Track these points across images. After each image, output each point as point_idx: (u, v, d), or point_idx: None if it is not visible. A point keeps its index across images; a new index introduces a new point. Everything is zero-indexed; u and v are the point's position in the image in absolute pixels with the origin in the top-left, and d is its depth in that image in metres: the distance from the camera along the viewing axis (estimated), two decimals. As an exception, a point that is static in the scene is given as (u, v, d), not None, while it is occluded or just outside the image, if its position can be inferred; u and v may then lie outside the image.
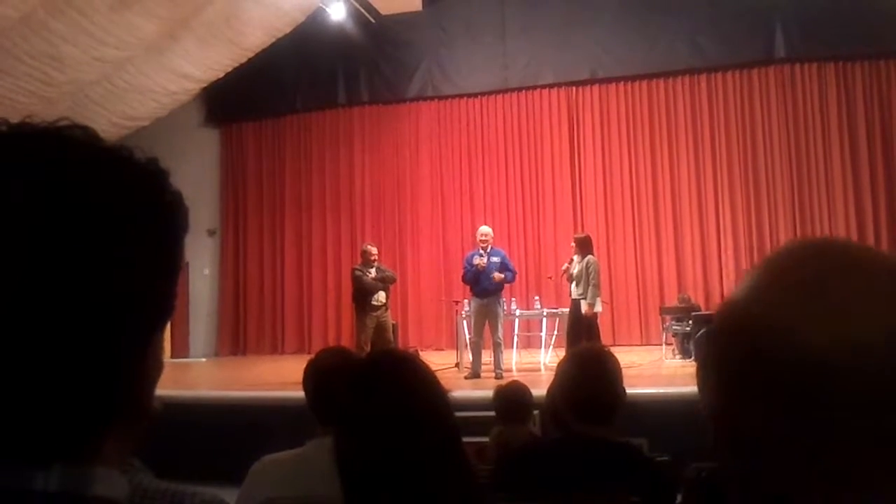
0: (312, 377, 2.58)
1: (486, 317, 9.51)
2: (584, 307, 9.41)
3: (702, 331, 10.26)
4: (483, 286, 9.51)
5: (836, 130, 13.54)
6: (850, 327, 0.59)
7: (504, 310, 9.92)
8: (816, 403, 0.60)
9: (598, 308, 9.63)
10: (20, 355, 0.61)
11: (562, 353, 8.79)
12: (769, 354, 0.61)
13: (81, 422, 0.64)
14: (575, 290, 9.59)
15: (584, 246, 9.77)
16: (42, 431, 0.63)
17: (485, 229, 10.01)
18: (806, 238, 0.68)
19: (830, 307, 0.60)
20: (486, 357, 9.62)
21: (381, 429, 1.49)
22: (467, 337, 10.05)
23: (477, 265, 9.50)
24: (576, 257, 9.73)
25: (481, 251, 9.63)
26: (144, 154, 0.69)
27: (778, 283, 0.64)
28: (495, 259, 9.60)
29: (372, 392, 1.55)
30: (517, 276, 10.39)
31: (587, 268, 9.51)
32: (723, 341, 0.67)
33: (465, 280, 9.84)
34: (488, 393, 4.87)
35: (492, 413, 4.58)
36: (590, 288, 9.43)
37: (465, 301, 10.38)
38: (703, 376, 0.70)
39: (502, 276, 9.55)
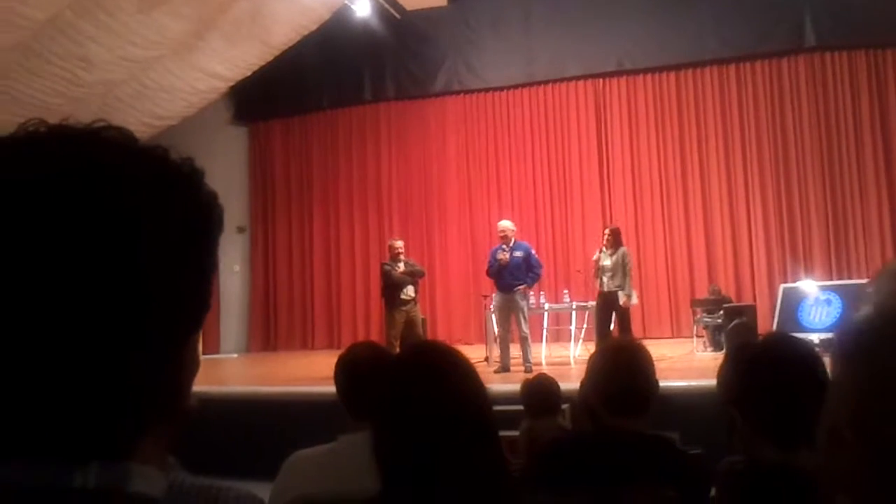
0: (344, 372, 2.59)
1: (511, 311, 9.46)
2: (621, 298, 9.37)
3: (734, 322, 10.19)
4: (506, 281, 9.47)
5: (867, 118, 13.32)
6: None
7: (530, 303, 9.86)
8: None
9: (635, 300, 9.59)
10: (56, 354, 0.62)
11: (591, 346, 8.77)
12: None
13: (119, 420, 0.65)
14: (610, 283, 9.53)
15: (618, 237, 9.75)
16: (80, 430, 0.64)
17: (504, 224, 9.93)
18: None
19: None
20: (515, 351, 9.58)
21: (422, 422, 1.49)
22: (496, 331, 10.02)
23: (500, 260, 9.47)
24: (605, 249, 9.69)
25: (504, 246, 9.60)
26: (179, 154, 0.70)
27: None
28: (518, 253, 9.54)
29: (414, 385, 1.55)
30: (544, 270, 10.34)
31: (623, 259, 9.47)
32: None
33: (489, 274, 9.83)
34: (517, 387, 4.87)
35: (521, 407, 4.58)
36: (627, 279, 9.40)
37: (493, 295, 10.35)
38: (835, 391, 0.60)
39: (525, 285, 9.55)
